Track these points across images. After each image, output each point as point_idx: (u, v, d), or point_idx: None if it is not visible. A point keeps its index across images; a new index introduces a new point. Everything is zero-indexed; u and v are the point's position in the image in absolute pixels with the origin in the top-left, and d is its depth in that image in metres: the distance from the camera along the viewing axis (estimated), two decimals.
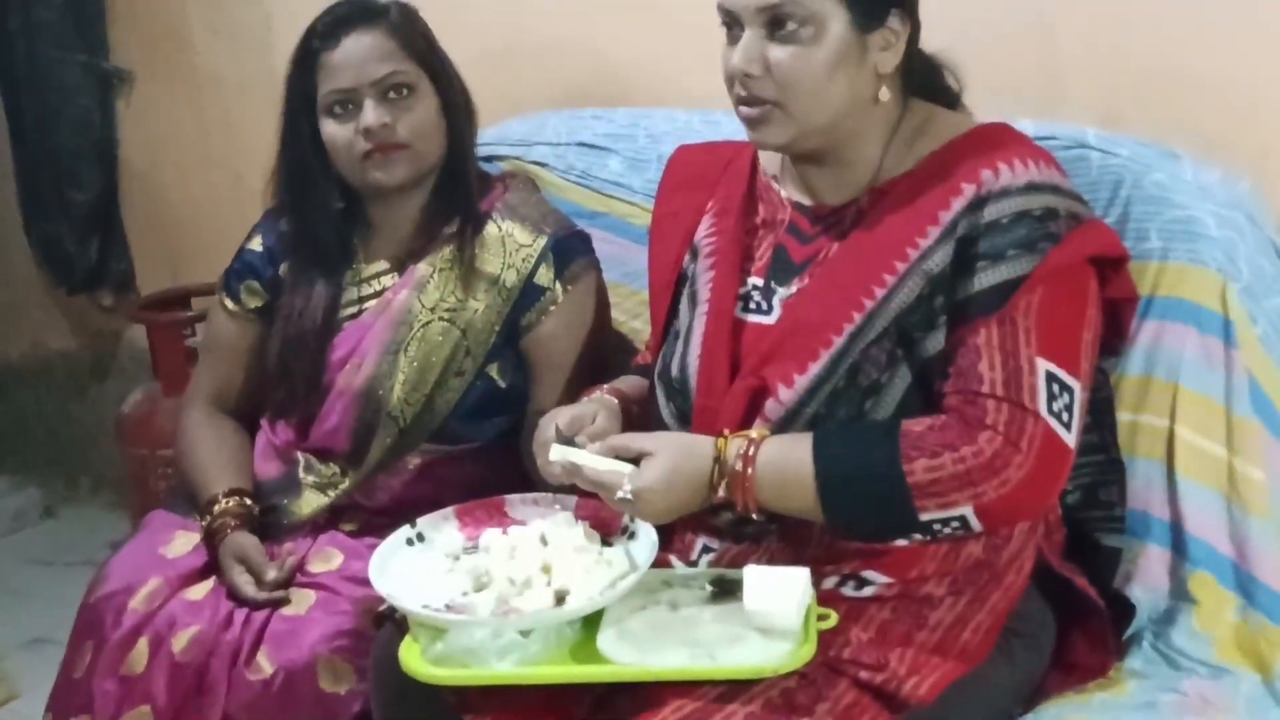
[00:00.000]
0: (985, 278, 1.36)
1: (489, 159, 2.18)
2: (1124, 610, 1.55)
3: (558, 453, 1.40)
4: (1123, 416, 1.57)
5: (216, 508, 1.73)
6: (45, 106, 3.25)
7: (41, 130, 3.28)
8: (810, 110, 1.40)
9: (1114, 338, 1.53)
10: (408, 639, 1.37)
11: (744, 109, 1.44)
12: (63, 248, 3.38)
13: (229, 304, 1.88)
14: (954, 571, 1.42)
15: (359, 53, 1.72)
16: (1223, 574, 1.52)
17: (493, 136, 2.21)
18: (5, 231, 3.55)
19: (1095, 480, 1.56)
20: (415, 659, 1.33)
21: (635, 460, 1.39)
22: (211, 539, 1.72)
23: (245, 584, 1.67)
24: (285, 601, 1.67)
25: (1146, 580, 1.55)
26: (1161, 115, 1.74)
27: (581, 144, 2.14)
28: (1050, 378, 1.34)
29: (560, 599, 1.35)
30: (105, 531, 3.21)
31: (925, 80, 1.50)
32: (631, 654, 1.31)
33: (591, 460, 1.38)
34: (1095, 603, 1.52)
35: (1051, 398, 1.34)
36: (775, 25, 1.38)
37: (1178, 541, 1.55)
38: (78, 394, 3.62)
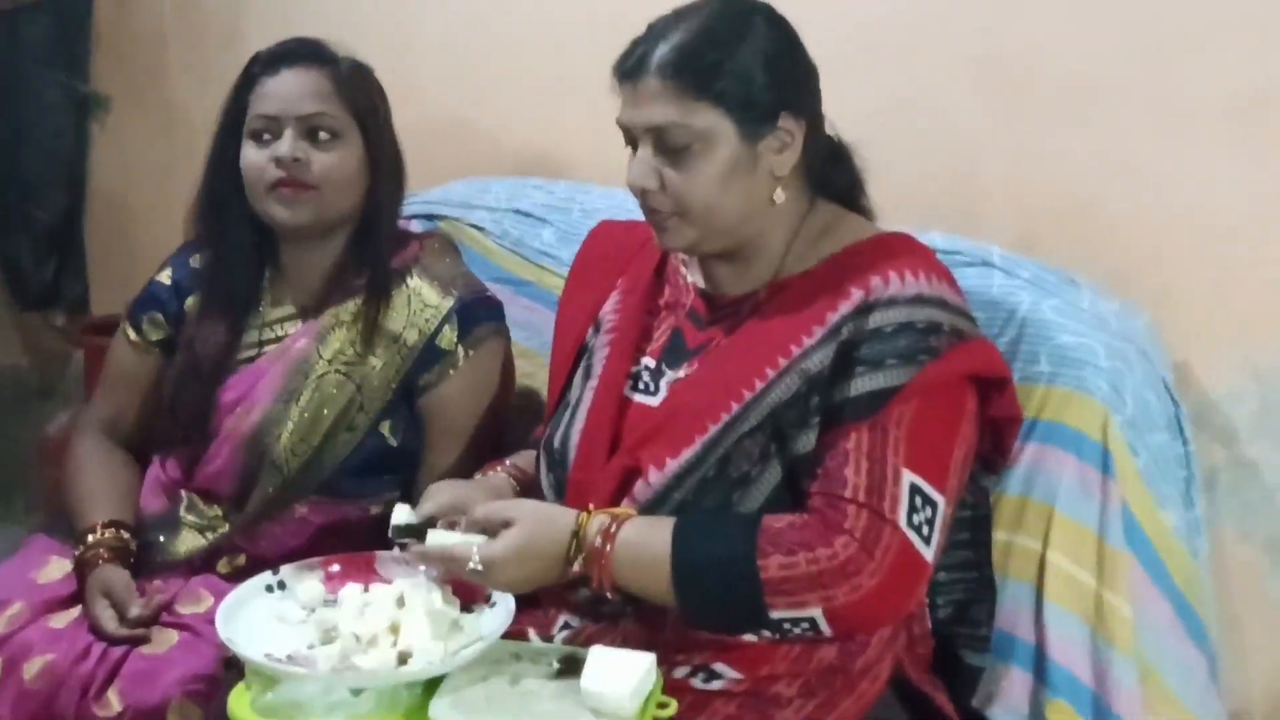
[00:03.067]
0: (862, 383, 1.37)
1: (429, 217, 2.20)
2: None
3: (399, 542, 1.42)
4: (998, 536, 1.57)
5: (91, 537, 1.71)
6: (19, 122, 3.28)
7: (11, 145, 3.31)
8: (707, 220, 1.42)
9: (996, 457, 1.53)
10: (240, 685, 1.35)
11: (649, 215, 1.46)
12: (20, 264, 3.40)
13: (131, 334, 1.86)
14: (806, 673, 1.41)
15: (294, 86, 1.73)
16: (1081, 704, 1.51)
17: (436, 196, 2.24)
18: None
19: (967, 598, 1.55)
20: (243, 706, 1.31)
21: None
22: (82, 568, 1.70)
23: (108, 619, 1.64)
24: (145, 640, 1.64)
25: (1007, 702, 1.54)
26: (1071, 246, 1.77)
27: (518, 211, 2.16)
28: (915, 490, 1.34)
29: (403, 660, 1.34)
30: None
31: (827, 176, 1.51)
32: None
33: (439, 537, 1.38)
34: None
35: (913, 510, 1.34)
36: (665, 143, 1.40)
37: (1040, 667, 1.53)
38: (23, 412, 3.60)
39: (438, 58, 2.47)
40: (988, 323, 1.57)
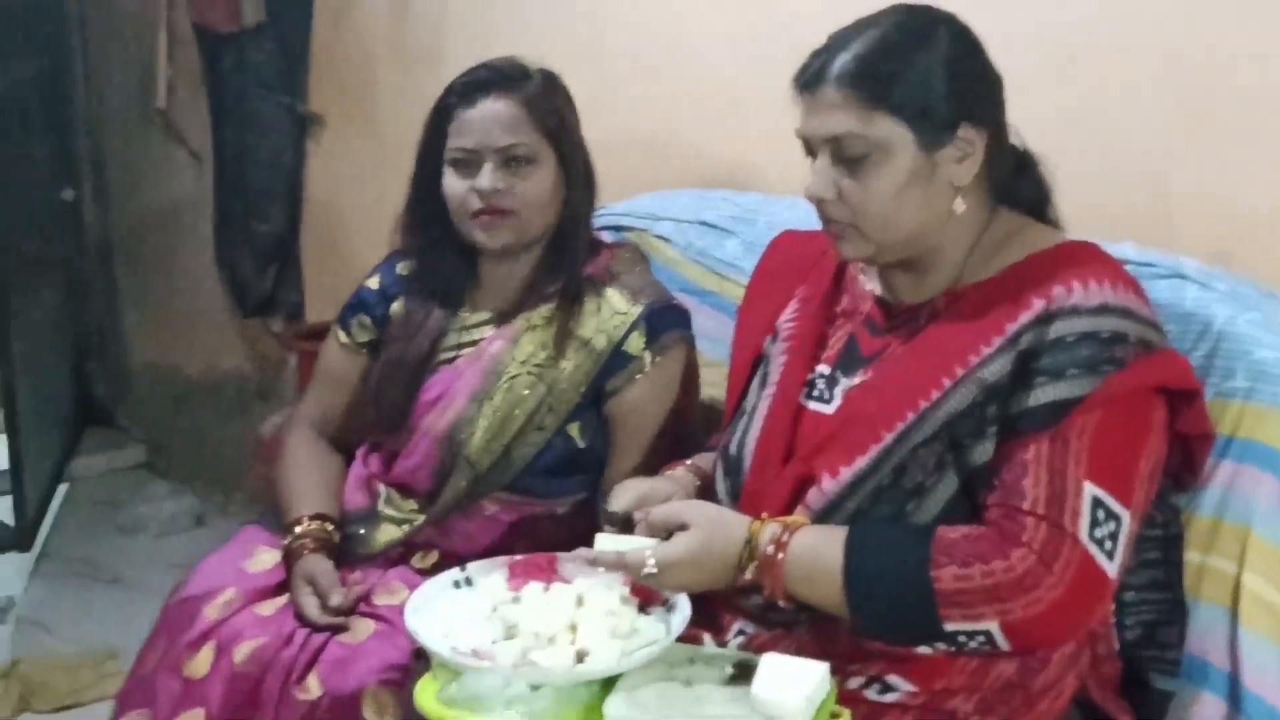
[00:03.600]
0: (1042, 394, 1.34)
1: (616, 228, 2.25)
2: None
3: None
4: (1190, 557, 1.50)
5: (298, 529, 1.82)
6: (245, 142, 3.50)
7: (239, 163, 3.53)
8: (884, 230, 1.42)
9: (1186, 473, 1.48)
10: (426, 676, 1.41)
11: (826, 226, 1.47)
12: (244, 273, 3.62)
13: (341, 336, 1.98)
14: (983, 688, 1.39)
15: (488, 118, 1.80)
16: None
17: (622, 209, 2.28)
18: (198, 253, 3.81)
19: (1156, 619, 1.50)
20: (428, 697, 1.37)
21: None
22: (289, 558, 1.81)
23: (310, 605, 1.74)
24: (344, 628, 1.73)
25: None
26: (1271, 260, 1.67)
27: (704, 223, 2.19)
28: (1097, 503, 1.31)
29: (579, 658, 1.38)
30: None
31: (1012, 186, 1.49)
32: None
33: (612, 542, 1.42)
34: None
35: (1095, 524, 1.30)
36: (842, 153, 1.40)
37: (1234, 694, 1.46)
38: (244, 413, 3.83)
39: (630, 72, 2.52)
40: (1180, 336, 1.51)
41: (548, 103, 1.84)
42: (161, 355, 4.22)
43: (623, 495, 1.52)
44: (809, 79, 1.42)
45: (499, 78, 1.84)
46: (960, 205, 1.42)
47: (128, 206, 4.25)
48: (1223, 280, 1.59)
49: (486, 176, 1.79)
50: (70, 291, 4.32)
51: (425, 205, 1.88)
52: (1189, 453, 1.45)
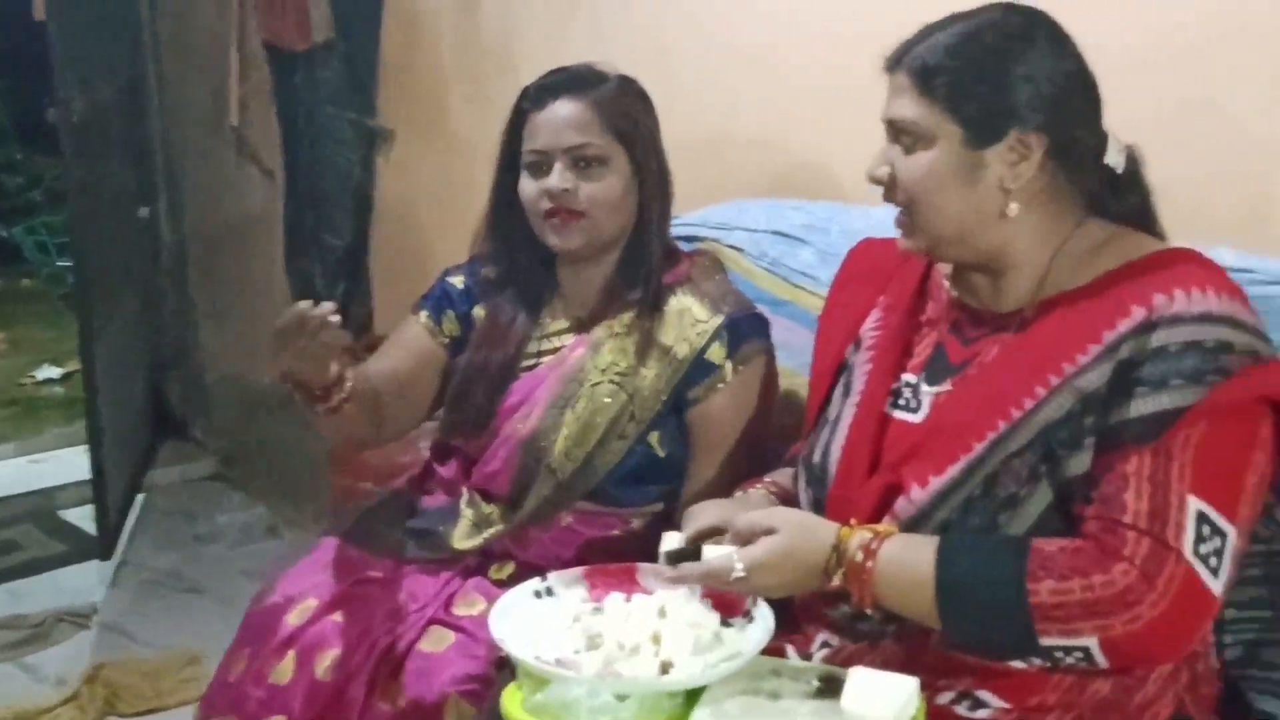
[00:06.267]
0: (1143, 404, 1.31)
1: (689, 239, 2.23)
2: None
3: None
4: None
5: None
6: (316, 157, 3.54)
7: (310, 178, 3.57)
8: (930, 220, 1.43)
9: None
10: (512, 685, 1.40)
11: (895, 219, 1.48)
12: (314, 286, 3.65)
13: (427, 320, 1.95)
14: (1078, 706, 1.35)
15: (558, 119, 1.81)
16: None
17: (695, 219, 2.27)
18: (269, 267, 3.85)
19: (1259, 638, 1.46)
20: (515, 705, 1.37)
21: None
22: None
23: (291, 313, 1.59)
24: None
25: None
26: None
27: (777, 233, 2.17)
28: (1201, 518, 1.27)
29: (664, 669, 1.36)
30: None
31: (1107, 196, 1.46)
32: None
33: (679, 542, 1.43)
34: None
35: (1200, 539, 1.27)
36: (898, 137, 1.43)
37: None
38: (312, 426, 3.86)
39: (696, 78, 2.51)
40: None
41: (619, 105, 1.84)
42: (235, 368, 4.27)
43: (695, 520, 1.51)
44: (889, 62, 1.45)
45: (571, 80, 1.85)
46: (1014, 209, 1.40)
47: (202, 223, 4.31)
48: None
49: (556, 176, 1.80)
50: (146, 306, 4.39)
51: (505, 210, 1.89)
52: None
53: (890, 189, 1.45)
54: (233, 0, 3.72)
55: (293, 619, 1.78)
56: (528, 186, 1.83)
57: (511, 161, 1.86)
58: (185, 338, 4.51)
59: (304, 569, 1.89)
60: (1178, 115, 1.78)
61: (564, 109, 1.81)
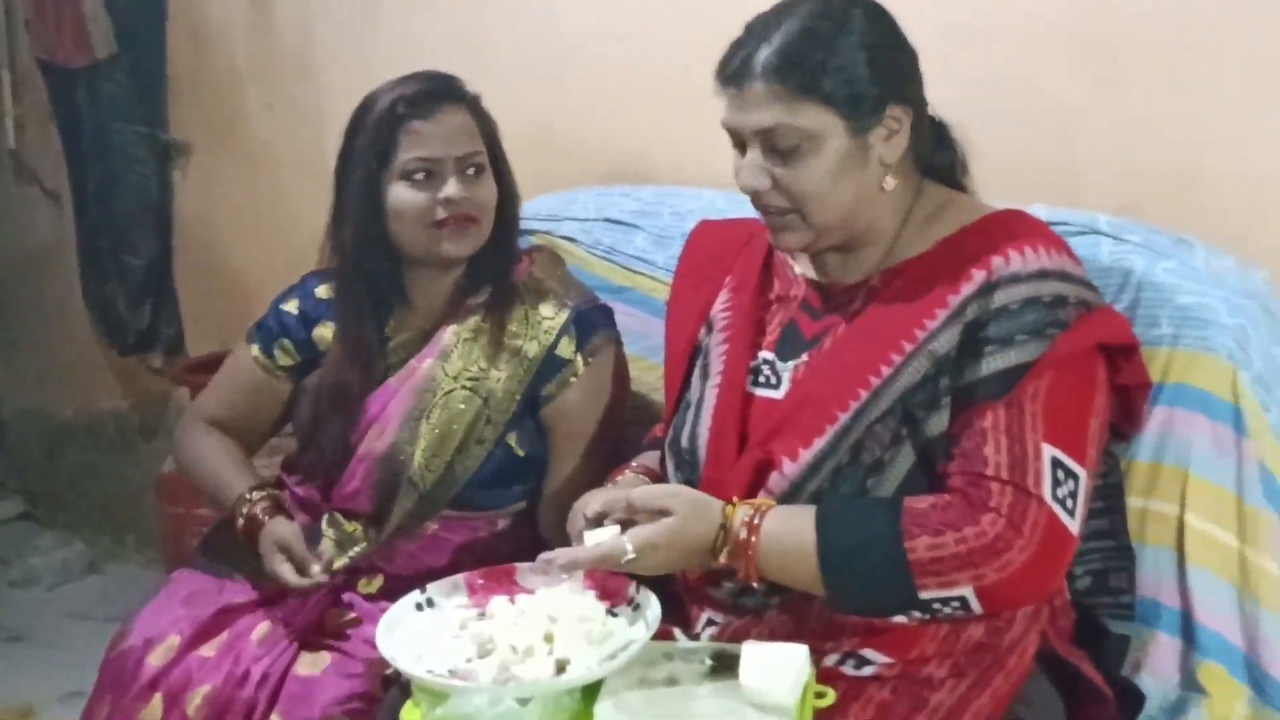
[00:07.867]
0: (993, 362, 1.38)
1: (521, 232, 2.23)
2: (1133, 699, 1.53)
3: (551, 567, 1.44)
4: (1132, 503, 1.56)
5: (245, 507, 1.79)
6: (106, 175, 3.37)
7: (102, 198, 3.40)
8: (824, 213, 1.44)
9: (1125, 424, 1.53)
10: (409, 703, 1.38)
11: (765, 216, 1.48)
12: (117, 310, 3.49)
13: (259, 355, 1.91)
14: (955, 653, 1.42)
15: (451, 127, 1.78)
16: (1234, 665, 1.50)
17: (525, 211, 2.26)
18: (64, 294, 3.66)
19: (1105, 566, 1.56)
20: None
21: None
22: (250, 529, 1.77)
23: (287, 571, 1.70)
24: (320, 586, 1.72)
25: (1156, 669, 1.54)
26: (1178, 209, 1.75)
27: (609, 220, 2.18)
28: (1056, 464, 1.35)
29: (560, 668, 1.36)
30: (147, 588, 3.25)
31: (932, 158, 1.52)
32: None
33: (589, 543, 1.41)
34: (1103, 690, 1.50)
35: (1056, 484, 1.34)
36: (773, 144, 1.42)
37: (1188, 630, 1.53)
38: (127, 452, 3.70)
39: (511, 71, 2.49)
40: (1102, 290, 1.56)
41: (485, 116, 1.85)
42: (33, 402, 4.05)
43: (587, 509, 1.50)
44: (734, 73, 1.43)
45: (448, 88, 1.82)
46: (890, 182, 1.45)
47: None
48: (1134, 232, 1.66)
49: (454, 185, 1.76)
50: None
51: (359, 221, 1.81)
52: (1128, 403, 1.50)
53: (766, 196, 1.44)
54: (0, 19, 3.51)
55: (155, 659, 1.71)
56: (411, 196, 1.77)
57: (366, 169, 1.78)
58: None
59: (160, 606, 1.82)
60: (992, 90, 1.88)
61: (454, 117, 1.79)
